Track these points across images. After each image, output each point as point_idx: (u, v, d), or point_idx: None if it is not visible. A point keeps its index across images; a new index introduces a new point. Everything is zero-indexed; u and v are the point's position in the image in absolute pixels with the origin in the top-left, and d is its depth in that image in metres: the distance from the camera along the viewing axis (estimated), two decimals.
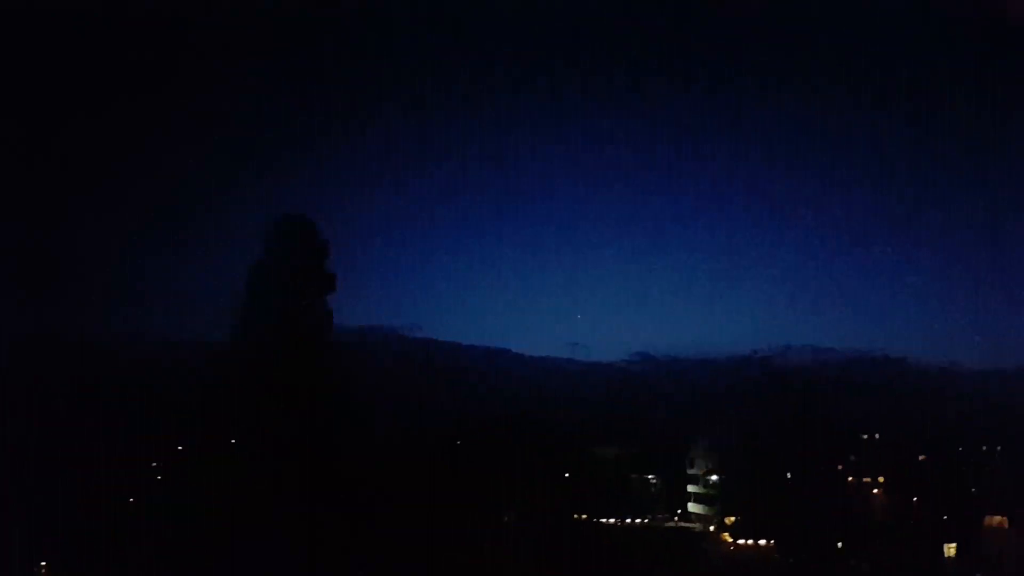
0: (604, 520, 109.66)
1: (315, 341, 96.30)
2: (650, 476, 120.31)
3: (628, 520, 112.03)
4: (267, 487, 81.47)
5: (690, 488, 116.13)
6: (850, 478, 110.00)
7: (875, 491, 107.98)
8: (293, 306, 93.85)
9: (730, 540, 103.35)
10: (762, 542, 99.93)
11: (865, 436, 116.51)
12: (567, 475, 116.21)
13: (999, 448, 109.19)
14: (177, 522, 76.67)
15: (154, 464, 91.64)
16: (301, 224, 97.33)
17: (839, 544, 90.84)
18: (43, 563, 69.03)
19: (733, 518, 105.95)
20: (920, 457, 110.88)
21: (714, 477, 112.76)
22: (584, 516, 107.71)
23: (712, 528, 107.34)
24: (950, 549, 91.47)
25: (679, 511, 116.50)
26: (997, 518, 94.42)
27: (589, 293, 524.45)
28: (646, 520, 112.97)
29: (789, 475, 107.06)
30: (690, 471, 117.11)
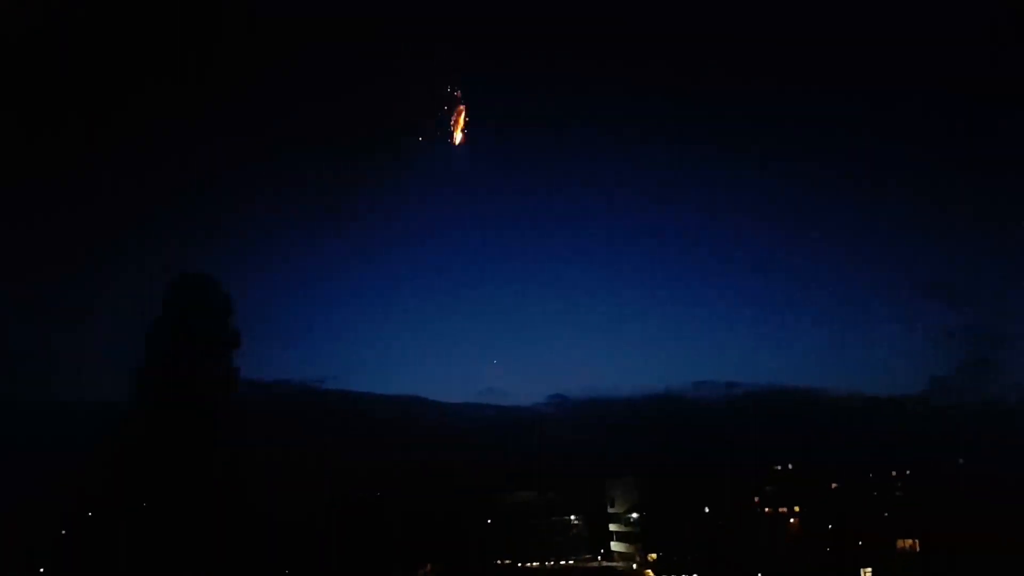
0: (528, 564, 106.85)
1: (217, 399, 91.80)
2: (571, 517, 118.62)
3: (551, 562, 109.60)
4: (174, 551, 77.17)
5: (612, 527, 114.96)
6: (767, 509, 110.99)
7: (791, 520, 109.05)
8: (194, 365, 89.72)
9: None
10: None
11: (779, 467, 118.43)
12: (488, 521, 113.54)
13: (908, 472, 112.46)
14: None
15: (63, 532, 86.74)
16: (201, 282, 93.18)
17: (759, 575, 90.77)
18: None
19: (655, 555, 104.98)
20: (833, 485, 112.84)
21: (634, 515, 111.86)
22: (507, 561, 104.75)
23: (635, 566, 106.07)
24: (866, 573, 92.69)
25: (602, 550, 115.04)
26: (909, 541, 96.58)
27: (503, 338, 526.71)
28: (571, 561, 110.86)
29: (707, 509, 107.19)
30: (611, 510, 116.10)
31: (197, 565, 77.64)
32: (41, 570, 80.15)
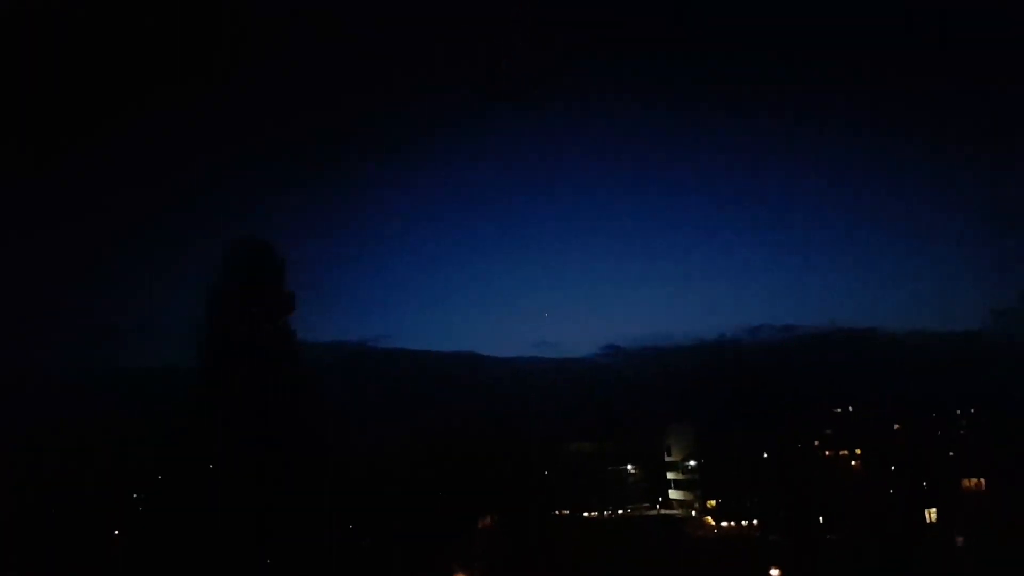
0: (585, 514, 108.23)
1: (278, 361, 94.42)
2: (628, 467, 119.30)
3: (609, 512, 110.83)
4: (247, 505, 79.87)
5: (669, 475, 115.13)
6: (827, 452, 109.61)
7: (853, 463, 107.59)
8: (253, 328, 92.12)
9: (713, 523, 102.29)
10: (744, 523, 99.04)
11: (839, 410, 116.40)
12: (545, 472, 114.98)
13: (972, 410, 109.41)
14: (161, 549, 76.21)
15: (135, 496, 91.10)
16: (256, 247, 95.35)
17: (820, 519, 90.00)
18: None
19: (714, 502, 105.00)
20: (895, 426, 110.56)
21: (692, 463, 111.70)
22: (565, 512, 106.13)
23: (694, 513, 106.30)
24: (931, 514, 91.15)
25: (660, 499, 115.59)
26: (974, 480, 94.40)
27: (555, 290, 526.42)
28: (628, 510, 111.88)
29: (766, 455, 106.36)
30: (668, 459, 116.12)
31: (266, 519, 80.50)
32: (116, 532, 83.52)
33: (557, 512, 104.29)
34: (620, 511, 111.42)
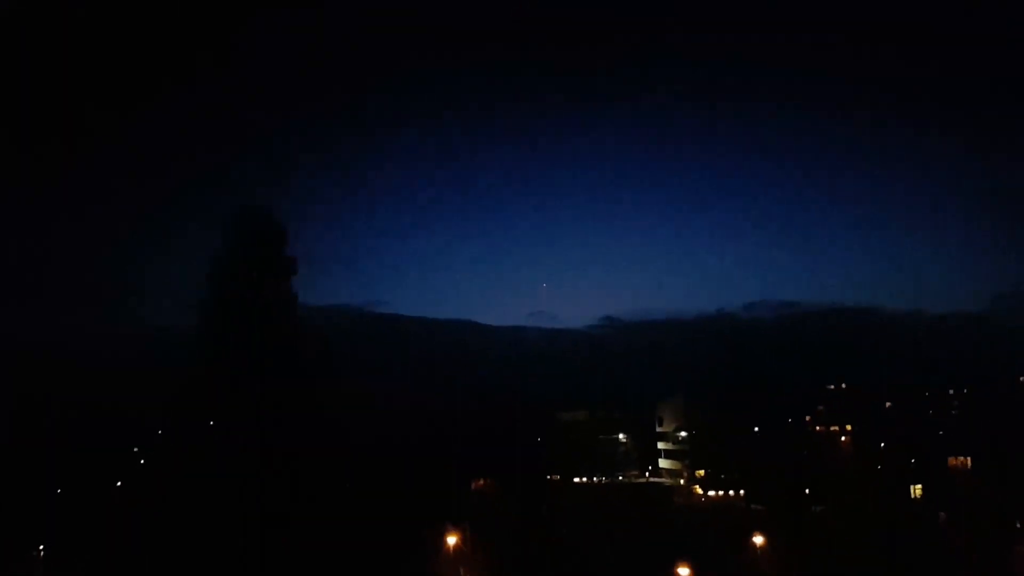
0: (576, 479, 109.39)
1: (279, 324, 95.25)
2: (620, 436, 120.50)
3: (599, 479, 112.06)
4: (244, 468, 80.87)
5: (660, 445, 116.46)
6: (818, 428, 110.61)
7: (843, 439, 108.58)
8: (254, 291, 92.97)
9: (700, 492, 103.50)
10: (731, 493, 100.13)
11: (832, 387, 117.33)
12: (538, 439, 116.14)
13: (964, 390, 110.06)
14: (161, 501, 77.39)
15: (135, 449, 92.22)
16: (257, 214, 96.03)
17: (806, 491, 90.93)
18: (40, 547, 69.81)
19: (703, 471, 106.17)
20: (887, 404, 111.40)
21: (683, 433, 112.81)
22: (557, 477, 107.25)
23: (682, 482, 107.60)
24: (916, 490, 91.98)
25: (649, 468, 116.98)
26: (961, 459, 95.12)
27: (554, 262, 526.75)
28: (618, 478, 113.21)
29: (757, 428, 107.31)
30: (659, 429, 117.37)
31: (264, 476, 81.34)
32: (119, 483, 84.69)
33: (548, 477, 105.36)
34: (610, 478, 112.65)
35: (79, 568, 63.98)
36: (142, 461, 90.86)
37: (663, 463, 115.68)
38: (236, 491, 78.00)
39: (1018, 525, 69.02)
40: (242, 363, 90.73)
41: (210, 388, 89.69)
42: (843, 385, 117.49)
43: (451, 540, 63.75)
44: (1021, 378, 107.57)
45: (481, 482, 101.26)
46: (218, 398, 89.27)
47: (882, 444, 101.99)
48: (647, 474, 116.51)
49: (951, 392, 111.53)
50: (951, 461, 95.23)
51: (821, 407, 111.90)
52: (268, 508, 78.73)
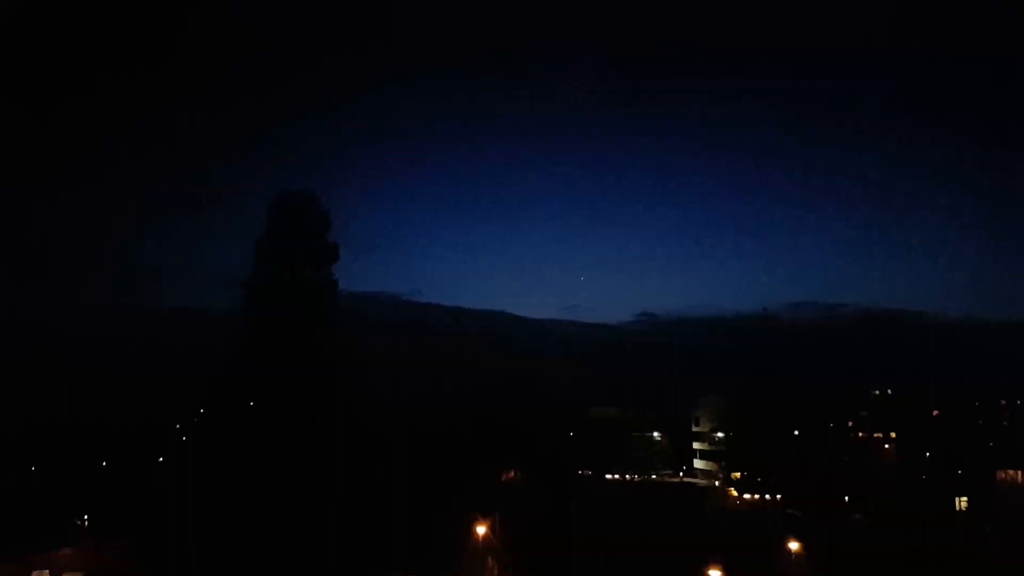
0: (608, 476, 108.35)
1: (320, 311, 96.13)
2: (654, 434, 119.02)
3: (631, 476, 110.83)
4: (282, 449, 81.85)
5: (695, 445, 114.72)
6: (860, 434, 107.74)
7: (886, 446, 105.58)
8: (297, 278, 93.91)
9: (736, 495, 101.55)
10: (767, 497, 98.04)
11: (877, 392, 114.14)
12: (571, 434, 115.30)
13: (1018, 401, 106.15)
14: (201, 478, 78.90)
15: (178, 426, 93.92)
16: (301, 198, 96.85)
17: (845, 498, 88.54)
18: (84, 517, 71.35)
19: (739, 474, 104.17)
20: (934, 412, 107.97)
21: (720, 434, 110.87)
22: (588, 472, 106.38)
23: (717, 484, 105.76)
24: (961, 502, 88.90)
25: (684, 468, 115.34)
26: (1011, 472, 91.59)
27: (593, 255, 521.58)
28: (651, 476, 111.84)
29: (796, 432, 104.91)
30: (695, 429, 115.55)
31: (298, 461, 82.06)
32: (161, 459, 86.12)
33: (579, 472, 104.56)
34: (642, 476, 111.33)
35: (121, 538, 65.50)
36: (184, 438, 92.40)
37: (698, 464, 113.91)
38: (271, 474, 78.88)
39: None
40: (281, 346, 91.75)
41: (250, 370, 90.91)
42: (888, 391, 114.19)
43: (480, 531, 63.57)
44: None
45: (511, 474, 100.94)
46: (257, 380, 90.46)
47: (927, 453, 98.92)
48: (681, 474, 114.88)
49: (1003, 403, 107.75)
50: (999, 474, 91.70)
51: (864, 412, 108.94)
52: (301, 492, 79.41)
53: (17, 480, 73.45)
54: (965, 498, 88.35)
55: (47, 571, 57.43)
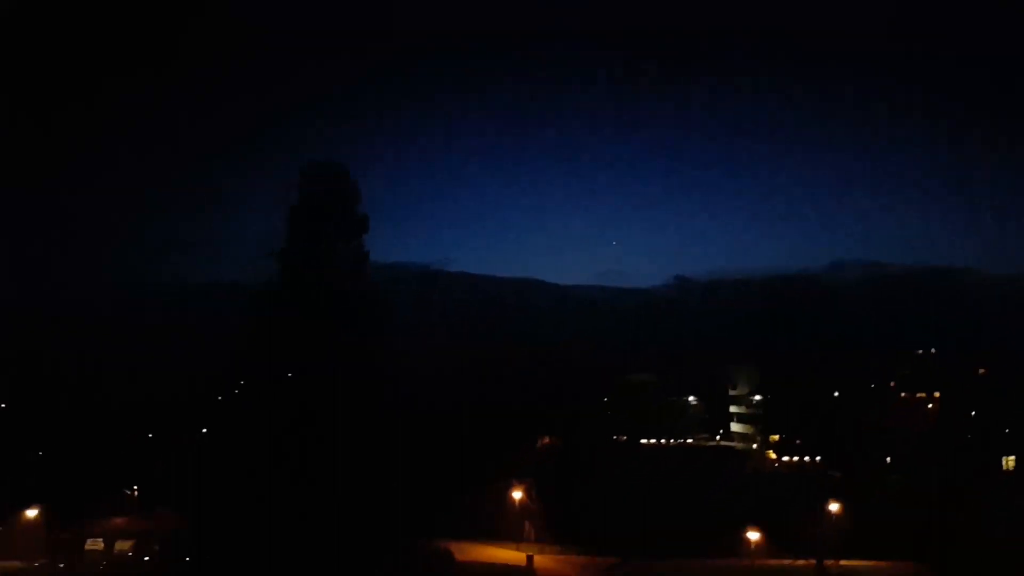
0: (644, 441, 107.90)
1: (351, 281, 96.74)
2: (689, 398, 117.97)
3: (667, 441, 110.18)
4: (316, 418, 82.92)
5: (732, 408, 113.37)
6: (903, 394, 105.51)
7: (930, 406, 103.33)
8: (328, 248, 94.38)
9: (774, 458, 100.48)
10: (807, 459, 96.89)
11: (920, 351, 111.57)
12: (604, 399, 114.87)
13: None
14: (238, 446, 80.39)
15: (219, 397, 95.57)
16: (331, 169, 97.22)
17: (887, 459, 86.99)
18: (134, 487, 73.57)
19: (777, 436, 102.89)
20: (980, 371, 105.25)
21: (757, 397, 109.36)
22: (624, 437, 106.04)
23: (755, 447, 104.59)
24: (1008, 462, 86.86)
25: (720, 431, 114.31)
26: None
27: (625, 219, 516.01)
28: (687, 441, 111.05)
29: (836, 393, 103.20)
30: (732, 392, 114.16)
31: (332, 430, 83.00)
32: (204, 429, 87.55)
33: (615, 437, 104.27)
34: (678, 441, 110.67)
35: (169, 507, 67.10)
36: (225, 410, 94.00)
37: (735, 427, 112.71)
38: (307, 442, 79.99)
39: None
40: (314, 318, 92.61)
41: (284, 341, 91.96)
42: (932, 350, 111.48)
43: (516, 495, 63.74)
44: None
45: (547, 440, 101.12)
46: (292, 352, 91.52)
47: (972, 412, 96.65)
48: (718, 438, 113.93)
49: None
50: None
51: (907, 372, 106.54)
52: (337, 459, 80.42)
53: (71, 454, 75.62)
54: (1012, 457, 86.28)
55: (100, 539, 59.08)
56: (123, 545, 58.31)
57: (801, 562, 53.39)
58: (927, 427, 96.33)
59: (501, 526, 63.11)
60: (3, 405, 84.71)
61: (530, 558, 56.15)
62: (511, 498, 63.87)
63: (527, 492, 65.24)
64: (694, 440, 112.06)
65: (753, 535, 51.76)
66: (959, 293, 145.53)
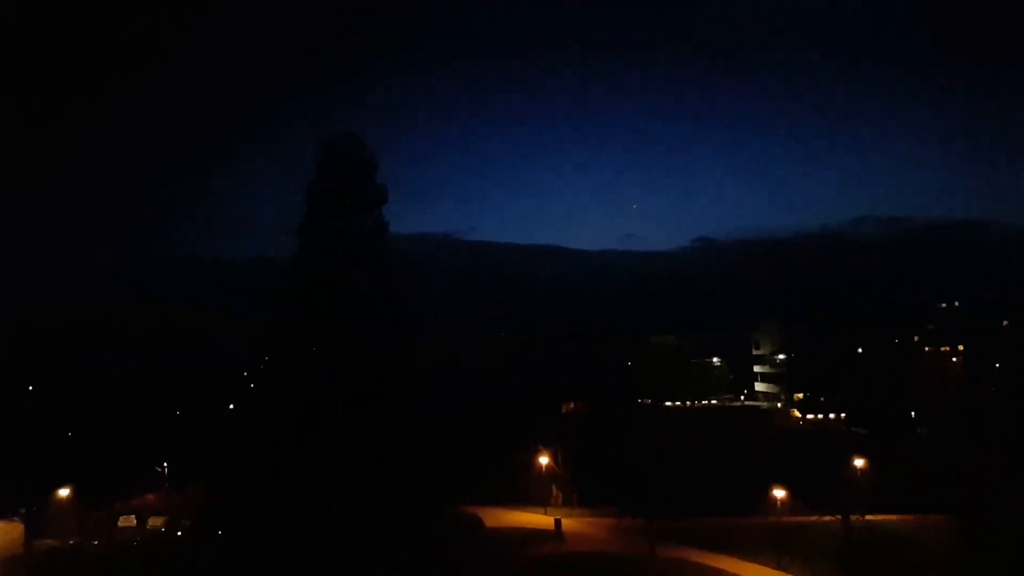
0: (669, 403, 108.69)
1: (372, 253, 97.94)
2: (713, 359, 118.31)
3: (692, 402, 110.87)
4: (340, 396, 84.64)
5: (756, 368, 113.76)
6: (927, 348, 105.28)
7: (954, 360, 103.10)
8: (347, 222, 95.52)
9: (799, 416, 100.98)
10: (831, 416, 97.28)
11: (943, 305, 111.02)
12: (629, 363, 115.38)
13: None
14: (266, 427, 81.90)
15: (245, 374, 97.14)
16: (347, 141, 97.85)
17: (912, 414, 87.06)
18: (164, 464, 75.69)
19: (801, 395, 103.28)
20: (1004, 323, 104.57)
21: (781, 356, 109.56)
22: (648, 401, 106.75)
23: (779, 405, 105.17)
24: None
25: (745, 391, 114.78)
26: None
27: (645, 182, 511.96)
28: (711, 402, 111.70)
29: (860, 349, 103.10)
30: (756, 352, 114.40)
31: (359, 401, 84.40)
32: (232, 406, 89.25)
33: (639, 400, 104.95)
34: (703, 401, 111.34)
35: (199, 484, 68.68)
36: (252, 385, 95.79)
37: (759, 386, 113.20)
38: (337, 415, 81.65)
39: None
40: (335, 291, 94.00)
41: (308, 315, 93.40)
42: (956, 304, 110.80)
43: (543, 460, 64.78)
44: None
45: (572, 405, 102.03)
46: (316, 326, 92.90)
47: (997, 365, 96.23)
48: (742, 398, 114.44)
49: None
50: None
51: (931, 326, 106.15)
52: (364, 430, 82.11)
53: (101, 433, 77.48)
54: None
55: (133, 516, 60.49)
56: (155, 521, 59.16)
57: (828, 518, 53.97)
58: (952, 381, 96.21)
59: (529, 491, 64.22)
60: (31, 387, 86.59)
61: (558, 522, 57.21)
62: (538, 463, 64.99)
63: (553, 457, 66.27)
64: (719, 401, 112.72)
65: (779, 493, 52.36)
66: (981, 246, 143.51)
